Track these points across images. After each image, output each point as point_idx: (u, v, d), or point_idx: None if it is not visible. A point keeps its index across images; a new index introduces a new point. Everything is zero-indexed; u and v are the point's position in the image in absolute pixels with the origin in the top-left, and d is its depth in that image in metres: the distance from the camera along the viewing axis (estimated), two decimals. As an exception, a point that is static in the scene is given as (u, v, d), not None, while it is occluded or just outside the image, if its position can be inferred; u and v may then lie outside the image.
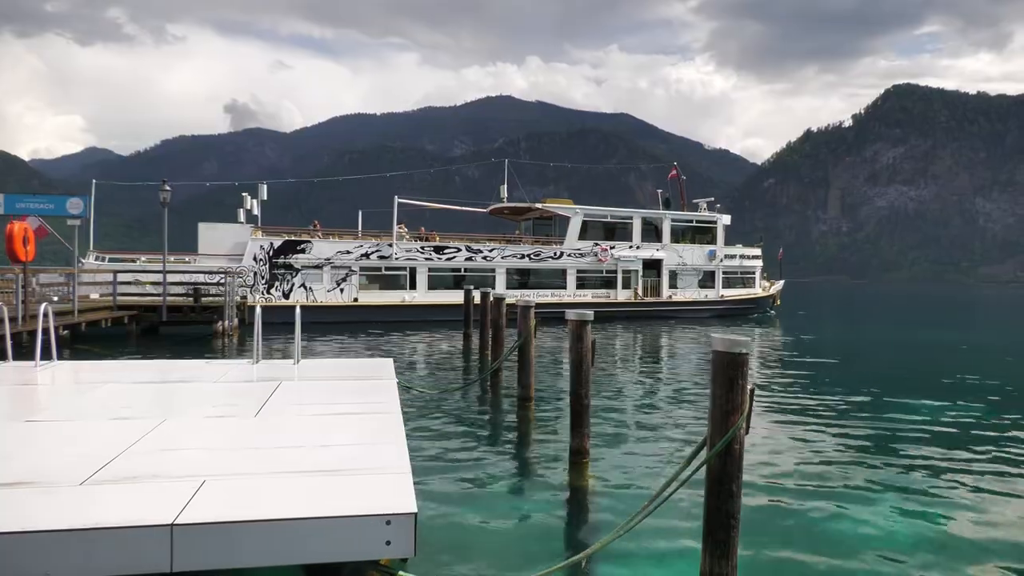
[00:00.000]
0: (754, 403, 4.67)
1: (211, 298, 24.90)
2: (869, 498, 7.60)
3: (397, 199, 33.14)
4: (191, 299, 24.92)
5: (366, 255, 31.52)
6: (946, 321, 44.09)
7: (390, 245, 31.96)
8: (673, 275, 37.56)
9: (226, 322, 23.86)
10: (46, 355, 9.02)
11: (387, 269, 31.81)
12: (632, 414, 12.06)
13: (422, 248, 32.73)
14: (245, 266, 29.13)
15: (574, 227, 35.68)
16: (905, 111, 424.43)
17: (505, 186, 39.14)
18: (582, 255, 35.43)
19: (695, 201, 41.57)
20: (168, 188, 26.10)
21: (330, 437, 5.43)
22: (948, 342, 28.77)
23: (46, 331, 8.94)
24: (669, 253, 37.36)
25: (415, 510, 3.79)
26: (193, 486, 4.10)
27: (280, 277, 30.03)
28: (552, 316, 31.02)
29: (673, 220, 38.23)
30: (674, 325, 32.34)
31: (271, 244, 30.19)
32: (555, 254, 35.12)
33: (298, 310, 10.33)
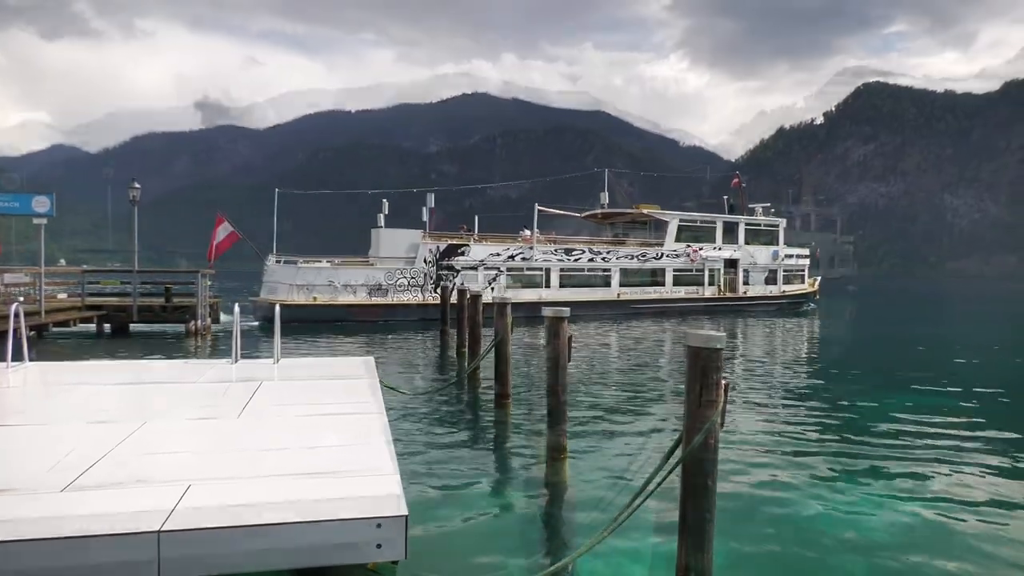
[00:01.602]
0: (728, 397, 4.72)
1: (182, 297, 24.56)
2: (845, 490, 7.73)
3: (537, 207, 36.35)
4: (162, 298, 24.55)
5: (511, 257, 34.76)
6: (924, 316, 45.22)
7: (531, 248, 35.14)
8: (746, 273, 41.97)
9: (198, 321, 23.53)
10: (17, 356, 8.83)
11: (528, 269, 35.00)
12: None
13: (555, 251, 35.95)
14: (417, 268, 32.34)
15: (672, 230, 39.56)
16: (875, 108, 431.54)
17: (606, 193, 43.04)
18: (677, 256, 39.35)
19: (751, 206, 45.49)
20: (137, 186, 25.65)
21: (316, 439, 5.37)
22: (929, 336, 29.33)
23: (17, 332, 8.74)
24: (743, 253, 41.82)
25: (406, 512, 3.76)
26: (179, 491, 4.03)
27: (444, 277, 32.66)
28: (655, 311, 36.40)
29: (746, 224, 42.67)
30: (747, 318, 36.13)
31: (437, 247, 33.05)
32: (657, 255, 38.83)
33: (277, 308, 10.22)
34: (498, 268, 34.25)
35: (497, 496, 7.59)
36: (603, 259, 37.07)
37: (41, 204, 19.81)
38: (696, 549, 4.77)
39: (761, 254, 42.69)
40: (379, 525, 3.67)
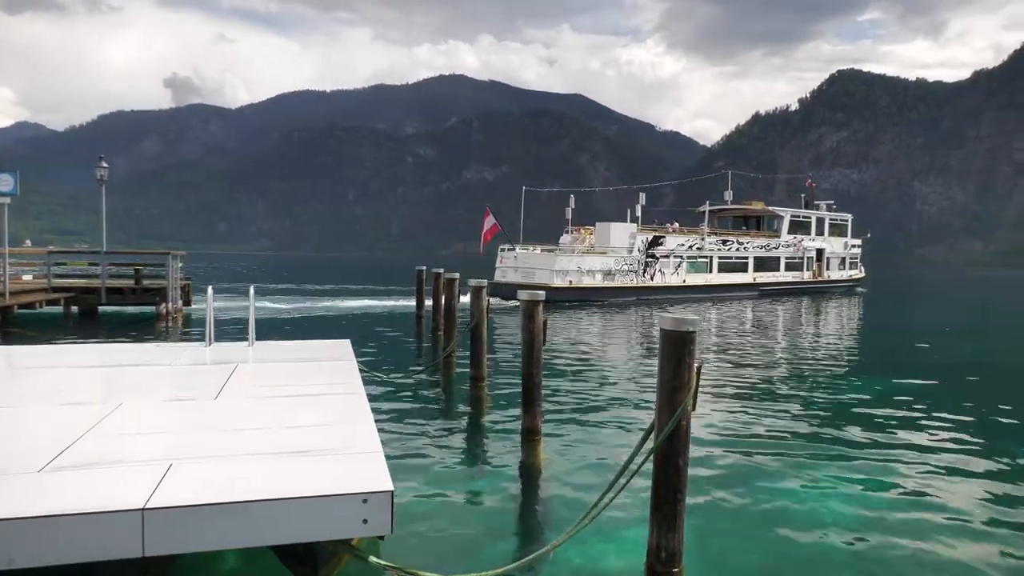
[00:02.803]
0: (700, 380, 4.76)
1: (152, 279, 24.12)
2: (816, 473, 7.85)
3: (708, 205, 43.80)
4: (132, 280, 24.11)
5: (690, 247, 40.92)
6: (899, 301, 46.56)
7: (703, 239, 41.69)
8: (828, 260, 50.61)
9: (169, 304, 23.16)
10: None
11: (699, 257, 41.41)
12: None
13: (714, 241, 42.62)
14: (634, 255, 37.93)
15: (786, 224, 47.51)
16: (849, 96, 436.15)
17: (730, 191, 49.44)
18: (788, 245, 47.08)
19: (816, 202, 52.98)
20: (105, 165, 25.08)
21: (297, 418, 5.35)
22: (900, 322, 29.94)
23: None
24: (827, 243, 50.31)
25: (392, 488, 3.77)
26: (160, 470, 3.99)
27: (649, 264, 38.53)
28: (774, 292, 44.40)
29: (829, 219, 51.14)
30: (829, 297, 45.06)
31: (646, 239, 38.64)
32: (776, 245, 46.49)
33: (252, 291, 10.08)
34: (682, 256, 40.21)
35: (473, 478, 7.61)
36: (744, 248, 44.31)
37: (4, 183, 19.26)
38: (667, 530, 4.83)
39: (837, 244, 51.54)
40: (365, 500, 3.68)
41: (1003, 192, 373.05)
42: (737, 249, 43.87)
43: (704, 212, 43.89)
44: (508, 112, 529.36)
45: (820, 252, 49.68)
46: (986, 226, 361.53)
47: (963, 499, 7.06)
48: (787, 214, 47.90)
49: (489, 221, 33.40)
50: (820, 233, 49.97)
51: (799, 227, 48.50)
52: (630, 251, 37.70)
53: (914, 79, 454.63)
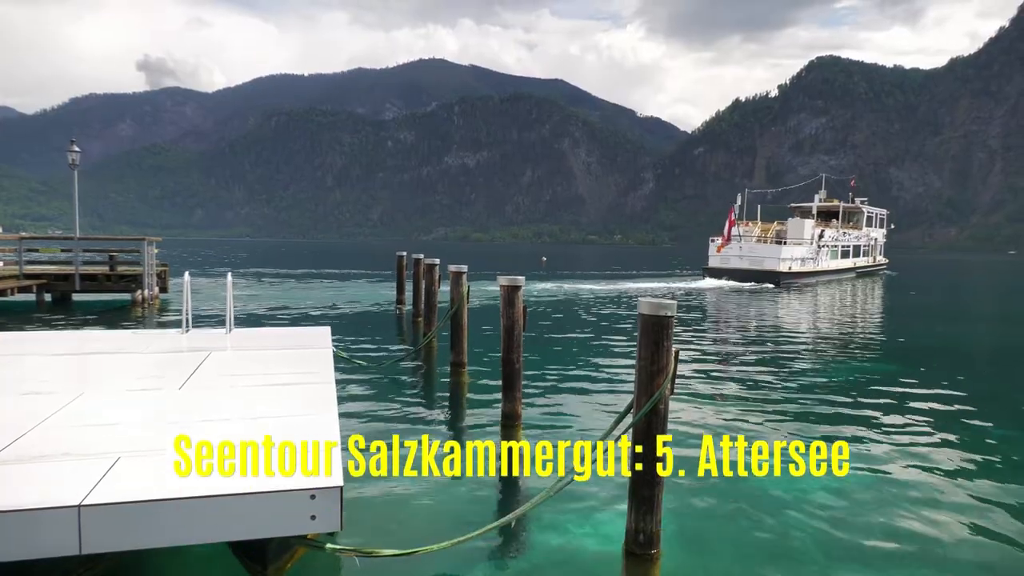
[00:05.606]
0: (678, 364, 4.79)
1: (128, 265, 23.74)
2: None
3: (818, 198, 55.28)
4: (107, 267, 23.71)
5: (831, 238, 49.83)
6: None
7: (837, 230, 51.84)
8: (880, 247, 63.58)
9: (145, 291, 22.83)
10: None
11: (830, 246, 50.08)
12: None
13: (844, 234, 52.88)
14: (812, 246, 46.48)
15: (865, 219, 59.06)
16: (827, 83, 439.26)
17: (824, 191, 57.55)
18: (865, 236, 58.17)
19: (856, 199, 61.47)
20: (77, 149, 24.55)
21: (258, 409, 5.25)
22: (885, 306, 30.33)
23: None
24: (878, 234, 62.60)
25: (341, 483, 3.69)
26: (106, 464, 3.90)
27: (818, 253, 47.41)
28: (858, 274, 54.70)
29: (880, 214, 63.72)
30: (880, 278, 55.29)
31: (818, 232, 47.77)
32: (860, 236, 57.01)
33: (230, 277, 9.98)
34: (829, 246, 49.18)
35: (450, 462, 7.62)
36: (847, 237, 53.98)
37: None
38: (645, 512, 4.87)
39: (880, 234, 63.54)
40: (313, 496, 3.59)
41: (978, 178, 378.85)
42: (848, 239, 54.39)
43: (796, 207, 54.95)
44: (488, 97, 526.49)
45: (876, 240, 61.81)
46: (961, 212, 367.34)
47: (946, 482, 7.15)
48: (865, 211, 59.49)
49: (733, 215, 44.07)
50: (876, 225, 62.48)
51: (868, 221, 60.17)
52: (811, 242, 46.40)
53: (891, 66, 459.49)
